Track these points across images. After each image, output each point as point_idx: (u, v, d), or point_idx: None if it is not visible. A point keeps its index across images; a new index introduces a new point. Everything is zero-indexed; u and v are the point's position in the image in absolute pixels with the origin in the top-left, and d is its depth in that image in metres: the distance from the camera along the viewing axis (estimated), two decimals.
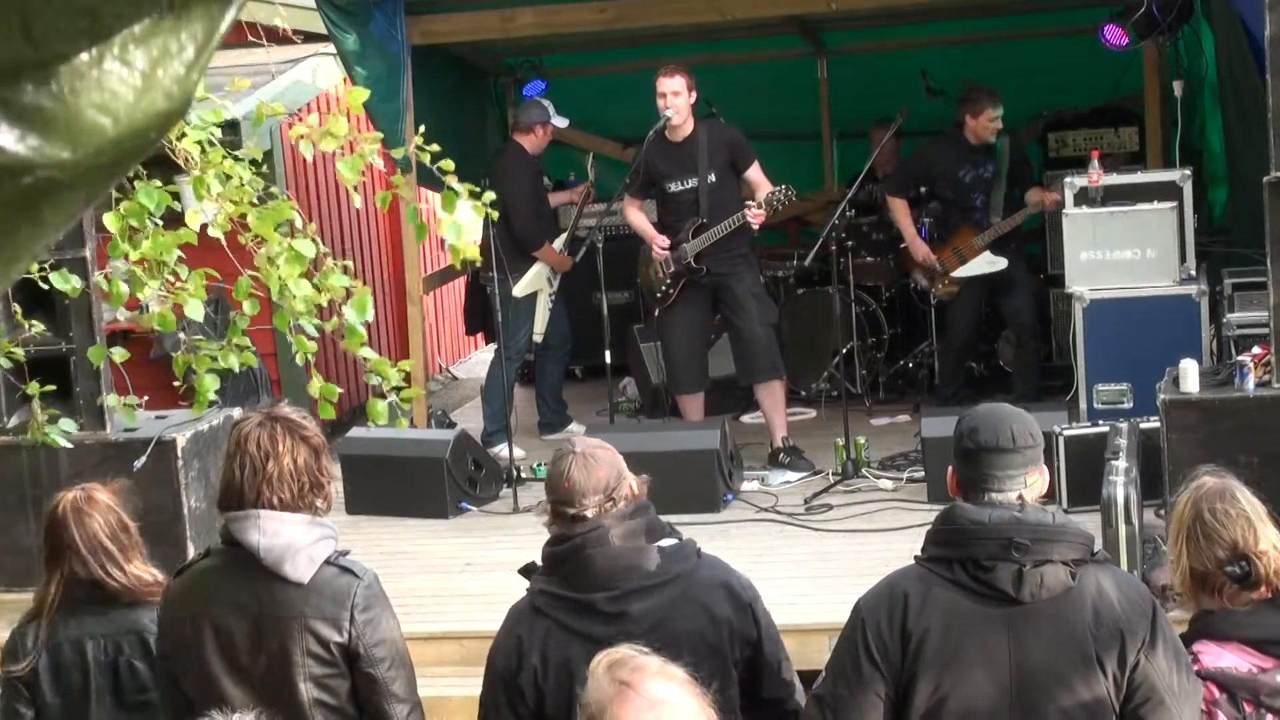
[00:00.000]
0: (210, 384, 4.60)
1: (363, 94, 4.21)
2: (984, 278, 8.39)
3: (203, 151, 4.10)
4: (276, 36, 4.32)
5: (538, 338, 8.60)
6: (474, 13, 8.61)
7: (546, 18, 8.48)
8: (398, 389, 4.52)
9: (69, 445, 5.73)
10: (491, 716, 3.36)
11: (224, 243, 4.18)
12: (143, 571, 3.89)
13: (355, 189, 4.26)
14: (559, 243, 8.65)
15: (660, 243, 7.71)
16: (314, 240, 4.20)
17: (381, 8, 7.97)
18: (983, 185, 8.47)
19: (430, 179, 9.15)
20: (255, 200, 4.24)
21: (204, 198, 4.13)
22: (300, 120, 4.11)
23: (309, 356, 4.40)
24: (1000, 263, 8.30)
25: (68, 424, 5.46)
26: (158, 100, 0.86)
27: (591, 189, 9.01)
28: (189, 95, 0.87)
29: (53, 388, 5.72)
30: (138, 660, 3.83)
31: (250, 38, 4.14)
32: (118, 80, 0.85)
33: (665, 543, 3.33)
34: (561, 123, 8.68)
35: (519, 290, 8.45)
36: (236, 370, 4.74)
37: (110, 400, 5.64)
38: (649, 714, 2.32)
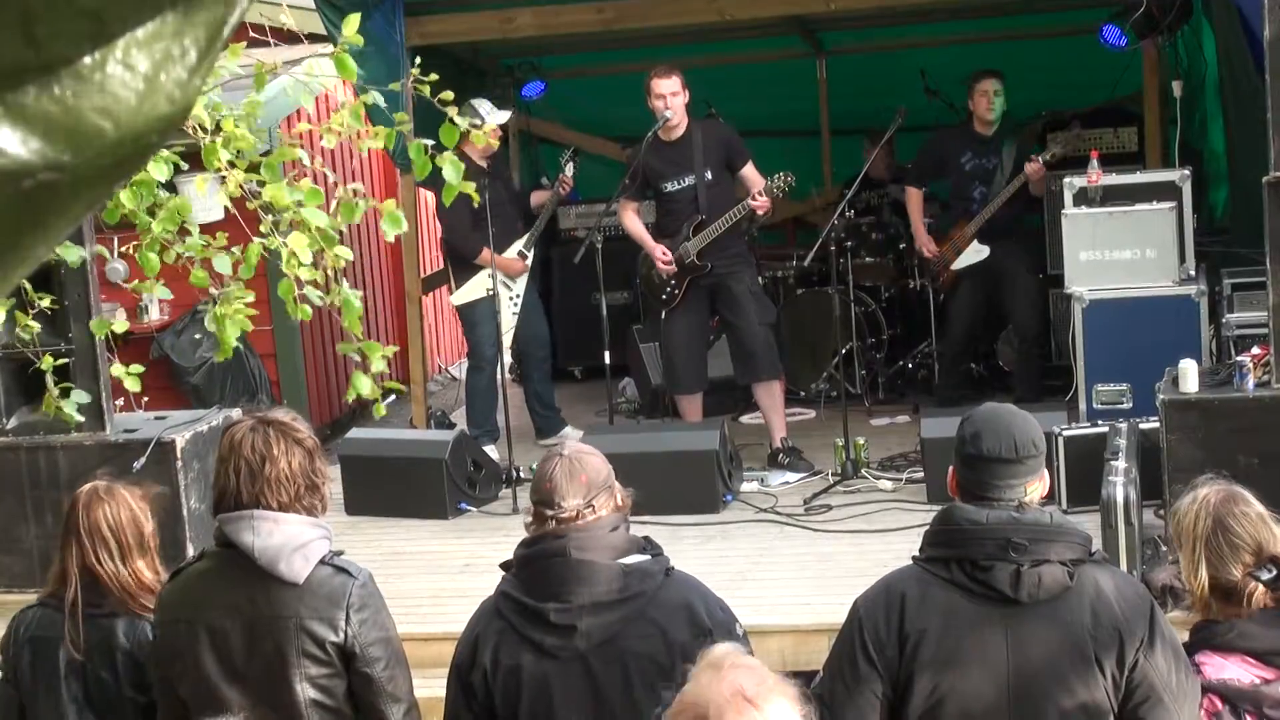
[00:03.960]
0: (233, 332, 4.61)
1: (355, 20, 4.20)
2: (988, 276, 8.34)
3: (215, 126, 4.11)
4: (282, 35, 4.32)
5: (506, 340, 8.38)
6: (473, 13, 8.60)
7: (545, 19, 8.48)
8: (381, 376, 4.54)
9: (81, 419, 5.73)
10: (450, 710, 3.37)
11: (233, 209, 4.20)
12: (142, 571, 3.89)
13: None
14: (519, 245, 8.36)
15: (661, 256, 7.69)
16: (324, 175, 4.22)
17: (380, 8, 7.96)
18: (983, 175, 8.35)
19: (428, 180, 9.19)
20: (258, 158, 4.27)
21: (216, 167, 4.14)
22: (299, 120, 4.12)
23: (309, 313, 4.42)
24: (984, 250, 8.27)
25: (80, 395, 5.46)
26: (159, 104, 0.87)
27: (564, 187, 8.52)
28: (191, 100, 0.88)
29: (65, 361, 5.72)
30: (104, 672, 3.84)
31: (253, 35, 4.15)
32: (120, 84, 0.85)
33: (631, 560, 3.26)
34: (496, 119, 7.99)
35: (456, 299, 8.37)
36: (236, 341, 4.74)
37: (115, 370, 5.64)
38: None
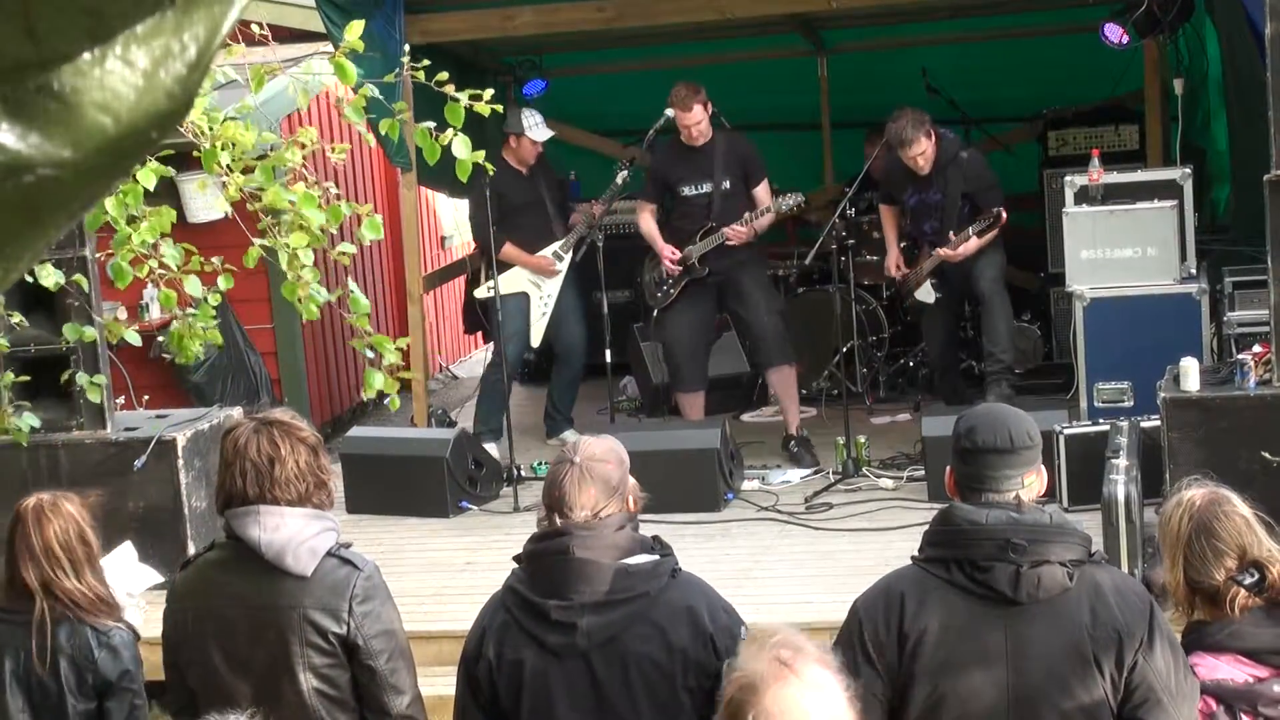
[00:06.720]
0: (197, 344, 4.63)
1: (358, 26, 4.18)
2: (957, 292, 8.16)
3: (210, 127, 4.10)
4: (254, 39, 4.29)
5: (535, 340, 8.50)
6: (474, 11, 8.61)
7: (546, 16, 8.48)
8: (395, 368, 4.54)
9: (25, 441, 5.74)
10: (459, 701, 3.37)
11: (232, 213, 4.19)
12: (93, 588, 3.92)
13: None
14: (555, 247, 8.41)
15: (669, 255, 7.81)
16: (316, 186, 4.21)
17: (381, 6, 7.96)
18: (930, 210, 8.02)
19: (429, 177, 9.20)
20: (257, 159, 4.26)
21: (215, 170, 4.13)
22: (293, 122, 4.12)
23: (317, 309, 4.41)
24: (933, 295, 8.03)
25: (30, 418, 5.46)
26: (159, 100, 0.87)
27: (605, 204, 8.41)
28: (190, 95, 0.88)
29: (27, 378, 5.75)
30: (48, 680, 3.84)
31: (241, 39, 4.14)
32: (119, 80, 0.85)
33: (635, 560, 3.24)
34: (539, 136, 8.30)
35: (479, 292, 8.59)
36: (200, 350, 4.74)
37: (79, 378, 5.63)
38: (807, 697, 2.27)
